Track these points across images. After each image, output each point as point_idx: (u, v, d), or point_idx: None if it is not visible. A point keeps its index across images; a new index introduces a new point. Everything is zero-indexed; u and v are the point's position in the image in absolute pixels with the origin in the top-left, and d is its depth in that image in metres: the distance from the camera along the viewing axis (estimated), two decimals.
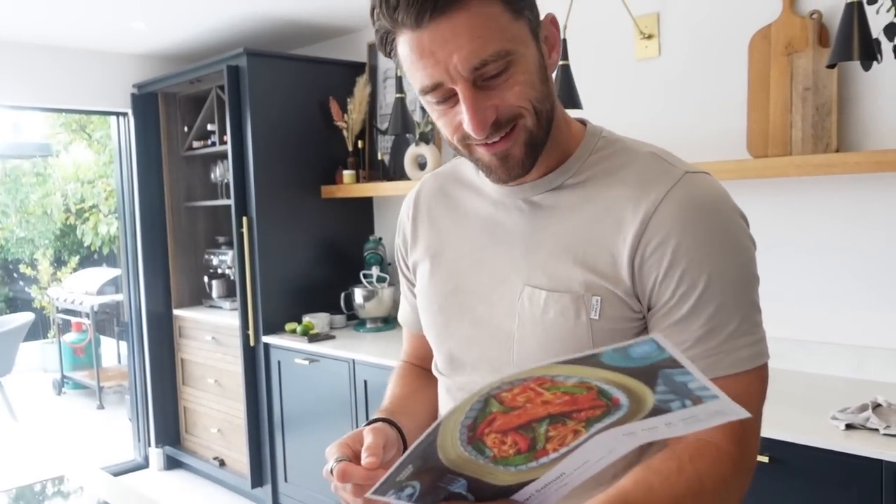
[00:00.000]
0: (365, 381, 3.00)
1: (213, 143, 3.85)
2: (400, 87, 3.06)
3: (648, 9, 2.56)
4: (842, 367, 2.22)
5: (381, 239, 3.56)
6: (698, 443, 0.82)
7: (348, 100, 3.56)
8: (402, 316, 1.18)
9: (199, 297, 4.23)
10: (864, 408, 1.79)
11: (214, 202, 3.99)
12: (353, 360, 3.06)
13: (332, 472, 0.84)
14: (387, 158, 3.57)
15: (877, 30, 1.81)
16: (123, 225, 4.26)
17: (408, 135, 3.26)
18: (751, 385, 0.85)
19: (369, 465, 0.82)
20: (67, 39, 3.74)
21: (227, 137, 3.48)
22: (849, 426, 1.75)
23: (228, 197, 3.60)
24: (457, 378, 1.01)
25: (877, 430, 1.71)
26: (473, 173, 1.01)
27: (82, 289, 6.37)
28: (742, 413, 0.58)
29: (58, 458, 1.86)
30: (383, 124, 3.58)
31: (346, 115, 3.55)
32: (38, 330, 7.08)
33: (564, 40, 2.40)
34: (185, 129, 4.12)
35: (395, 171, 3.53)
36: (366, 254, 3.56)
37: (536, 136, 0.86)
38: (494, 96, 0.82)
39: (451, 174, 1.06)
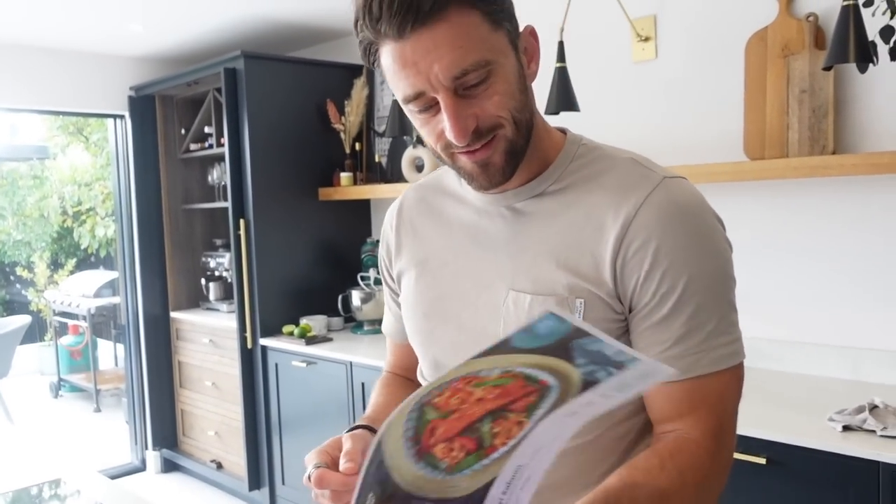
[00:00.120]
0: (362, 384, 3.00)
1: (211, 146, 3.85)
2: None
3: (645, 11, 2.56)
4: (839, 368, 2.23)
5: (378, 241, 3.56)
6: (678, 440, 0.86)
7: (345, 102, 3.56)
8: (386, 327, 1.20)
9: (197, 300, 4.23)
10: (861, 409, 1.80)
11: (212, 204, 3.99)
12: (351, 363, 3.06)
13: (309, 478, 0.84)
14: (384, 161, 3.57)
15: (873, 32, 1.81)
16: (120, 227, 4.25)
17: (405, 137, 3.27)
18: (728, 383, 0.88)
19: (347, 471, 0.82)
20: (64, 42, 3.73)
21: (225, 140, 3.48)
22: (846, 428, 1.75)
23: (226, 199, 3.60)
24: None
25: (874, 431, 1.72)
26: (457, 183, 1.02)
27: (79, 291, 6.36)
28: (668, 370, 0.59)
29: (54, 461, 1.86)
30: (380, 127, 3.58)
31: (343, 118, 3.55)
32: (34, 333, 7.07)
33: (561, 42, 2.41)
34: (183, 131, 4.12)
35: (392, 174, 3.53)
36: (363, 256, 3.56)
37: (516, 144, 0.88)
38: (475, 105, 0.84)
39: (434, 185, 1.08)
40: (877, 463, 1.64)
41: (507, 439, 0.63)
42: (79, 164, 7.73)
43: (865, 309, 2.18)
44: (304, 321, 3.39)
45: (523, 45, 0.90)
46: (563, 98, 2.39)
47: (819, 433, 1.75)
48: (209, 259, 4.10)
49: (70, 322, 6.56)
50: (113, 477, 4.01)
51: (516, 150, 0.88)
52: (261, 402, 3.51)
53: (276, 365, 3.42)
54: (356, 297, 3.44)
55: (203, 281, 4.12)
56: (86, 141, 7.87)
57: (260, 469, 3.56)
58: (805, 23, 2.18)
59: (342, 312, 3.56)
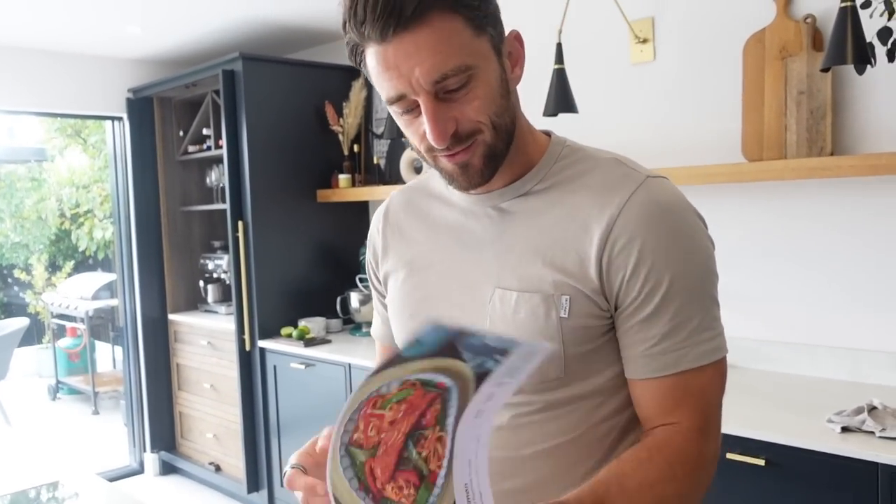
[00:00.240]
0: None
1: (209, 148, 3.85)
2: None
3: (643, 13, 2.57)
4: (837, 370, 2.23)
5: None
6: (665, 434, 0.88)
7: (344, 104, 3.56)
8: (375, 330, 1.21)
9: (195, 302, 4.22)
10: (859, 410, 1.80)
11: (210, 206, 3.99)
12: (349, 365, 3.05)
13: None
14: (382, 162, 3.57)
15: (870, 33, 1.82)
16: (118, 229, 4.25)
17: (403, 139, 3.26)
18: (713, 377, 0.91)
19: (322, 447, 0.85)
20: (63, 44, 3.73)
21: (223, 142, 3.48)
22: (845, 429, 1.75)
23: (224, 201, 3.60)
24: None
25: (872, 432, 1.72)
26: (443, 185, 1.03)
27: (77, 294, 6.35)
28: (545, 345, 0.62)
29: (52, 463, 1.85)
30: (379, 128, 3.58)
31: (341, 120, 3.55)
32: (32, 335, 7.05)
33: (559, 44, 2.41)
34: (181, 133, 4.12)
35: (390, 175, 3.53)
36: (361, 258, 3.56)
37: (495, 148, 0.90)
38: (455, 109, 0.86)
39: (420, 188, 1.10)
40: (875, 464, 1.64)
41: (440, 460, 0.65)
42: (77, 167, 7.72)
43: (864, 310, 2.19)
44: (302, 323, 3.38)
45: (507, 50, 0.92)
46: (562, 100, 2.39)
47: (818, 434, 1.75)
48: (207, 261, 4.10)
49: (68, 324, 6.54)
50: (111, 479, 4.00)
51: (496, 153, 0.90)
52: (259, 405, 3.51)
53: (275, 367, 3.41)
54: (354, 298, 3.44)
55: (201, 283, 4.11)
56: (84, 143, 7.86)
57: (258, 471, 3.56)
58: (803, 24, 2.18)
59: (341, 314, 3.56)
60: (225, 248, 4.00)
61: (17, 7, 3.10)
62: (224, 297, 3.99)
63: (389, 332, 1.12)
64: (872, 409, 1.79)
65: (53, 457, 1.91)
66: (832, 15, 1.85)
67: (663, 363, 0.89)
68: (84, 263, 7.88)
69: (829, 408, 1.87)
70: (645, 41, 2.57)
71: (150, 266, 4.14)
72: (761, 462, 1.80)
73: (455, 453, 0.63)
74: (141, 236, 4.10)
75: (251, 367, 3.52)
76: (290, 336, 3.35)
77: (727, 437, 1.83)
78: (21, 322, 5.84)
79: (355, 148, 3.58)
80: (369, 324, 3.43)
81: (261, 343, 3.45)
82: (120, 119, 4.12)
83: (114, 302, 5.96)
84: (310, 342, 3.27)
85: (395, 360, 0.67)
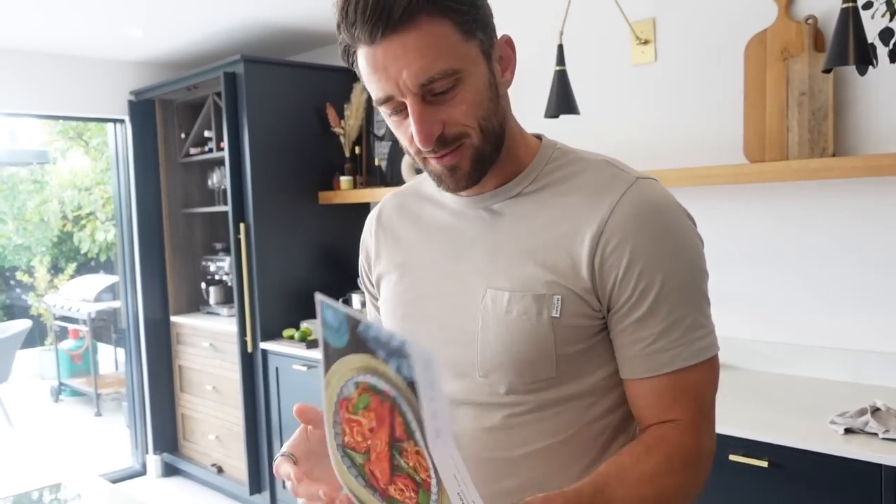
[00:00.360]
0: None
1: (211, 150, 3.86)
2: None
3: (644, 14, 2.57)
4: (840, 371, 2.22)
5: None
6: (662, 430, 0.90)
7: (345, 106, 3.56)
8: None
9: (197, 304, 4.23)
10: (862, 412, 1.79)
11: (212, 208, 3.99)
12: None
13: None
14: (384, 164, 3.57)
15: (872, 34, 1.81)
16: (121, 232, 4.26)
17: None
18: (707, 374, 0.92)
19: (316, 433, 0.87)
20: (65, 47, 3.74)
21: (225, 144, 3.48)
22: (848, 430, 1.75)
23: (226, 203, 3.60)
24: None
25: (875, 434, 1.71)
26: (435, 188, 1.04)
27: (79, 296, 6.36)
28: (427, 350, 0.60)
29: (55, 465, 1.85)
30: (380, 130, 3.58)
31: (342, 122, 3.55)
32: (35, 337, 7.06)
33: (560, 46, 2.41)
34: (183, 135, 4.13)
35: (392, 177, 3.53)
36: None
37: (483, 151, 0.91)
38: (442, 112, 0.87)
39: (413, 191, 1.11)
40: (879, 466, 1.64)
41: (427, 470, 0.66)
42: (79, 169, 7.73)
43: (866, 311, 2.18)
44: (304, 325, 3.39)
45: (498, 55, 0.93)
46: (563, 101, 2.39)
47: (821, 436, 1.75)
48: (209, 263, 4.10)
49: (70, 326, 6.55)
50: (113, 481, 4.00)
51: (483, 157, 0.91)
52: (261, 406, 3.51)
53: (277, 369, 3.42)
54: (356, 300, 3.44)
55: (203, 285, 4.12)
56: (86, 145, 7.87)
57: (261, 473, 3.56)
58: (804, 25, 2.18)
59: None
60: (227, 250, 4.00)
61: (19, 10, 3.10)
62: (226, 299, 4.00)
63: None
64: (875, 411, 1.79)
65: (56, 459, 1.91)
66: (833, 16, 1.85)
67: (659, 362, 0.90)
68: (86, 265, 7.89)
69: (831, 409, 1.87)
70: (646, 42, 2.57)
71: (152, 268, 4.14)
72: (764, 464, 1.80)
73: (438, 469, 0.64)
74: (143, 238, 4.10)
75: (253, 369, 3.52)
76: (291, 338, 3.36)
77: (730, 438, 1.83)
78: (23, 324, 5.85)
79: (356, 150, 3.59)
80: None
81: (263, 345, 3.45)
82: (122, 121, 4.13)
83: (116, 304, 5.97)
84: (312, 344, 3.27)
85: (325, 349, 0.69)
